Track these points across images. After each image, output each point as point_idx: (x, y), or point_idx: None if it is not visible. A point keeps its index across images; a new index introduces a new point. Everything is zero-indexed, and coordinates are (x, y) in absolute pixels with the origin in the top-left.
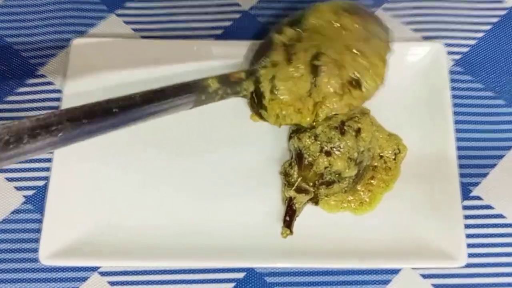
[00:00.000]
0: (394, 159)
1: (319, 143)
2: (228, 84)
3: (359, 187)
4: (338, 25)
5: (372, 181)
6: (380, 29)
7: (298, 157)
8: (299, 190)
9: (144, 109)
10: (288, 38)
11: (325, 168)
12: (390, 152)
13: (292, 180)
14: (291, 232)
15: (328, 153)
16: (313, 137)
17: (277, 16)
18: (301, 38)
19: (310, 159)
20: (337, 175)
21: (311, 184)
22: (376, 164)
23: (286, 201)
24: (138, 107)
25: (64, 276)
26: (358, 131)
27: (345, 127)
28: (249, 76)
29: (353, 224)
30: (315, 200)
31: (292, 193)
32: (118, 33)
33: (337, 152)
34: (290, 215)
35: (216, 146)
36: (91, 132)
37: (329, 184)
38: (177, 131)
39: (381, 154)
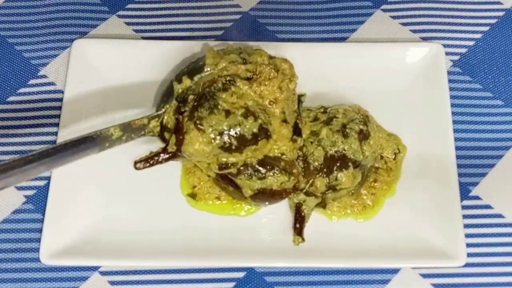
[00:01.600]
0: (394, 159)
1: (322, 147)
2: (131, 130)
3: (362, 191)
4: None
5: (375, 184)
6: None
7: (303, 163)
8: (308, 193)
9: (47, 164)
10: (185, 88)
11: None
12: (390, 152)
13: (300, 187)
14: (303, 239)
15: (333, 188)
16: (316, 142)
17: (277, 17)
18: (198, 87)
19: (315, 164)
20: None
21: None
22: (377, 165)
23: (294, 208)
24: (38, 163)
25: (64, 276)
26: (360, 133)
27: (347, 130)
28: (151, 120)
29: (352, 224)
30: (322, 205)
31: (301, 196)
32: (119, 34)
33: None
34: (300, 222)
35: None
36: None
37: (335, 188)
38: None
39: (381, 154)
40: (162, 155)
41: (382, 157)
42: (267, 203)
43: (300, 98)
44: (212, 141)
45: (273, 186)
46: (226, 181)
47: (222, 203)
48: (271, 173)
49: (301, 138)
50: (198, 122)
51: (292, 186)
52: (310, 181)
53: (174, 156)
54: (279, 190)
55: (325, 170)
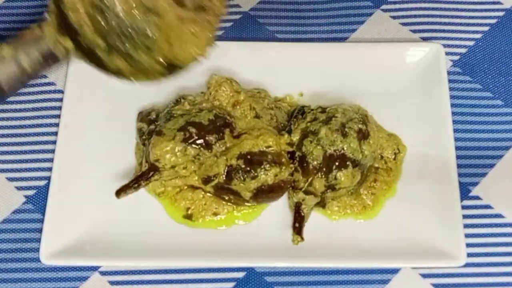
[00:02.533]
0: (394, 159)
1: (321, 147)
2: (25, 46)
3: (362, 191)
4: None
5: (375, 184)
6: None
7: (302, 162)
8: (307, 192)
9: None
10: None
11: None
12: (390, 152)
13: (299, 186)
14: (302, 238)
15: (332, 187)
16: (315, 142)
17: (277, 17)
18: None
19: (314, 163)
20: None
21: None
22: (377, 165)
23: (294, 208)
24: None
25: (64, 276)
26: (359, 132)
27: (346, 129)
28: (42, 26)
29: (352, 224)
30: (322, 204)
31: (301, 195)
32: None
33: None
34: (299, 221)
35: None
36: None
37: (334, 188)
38: None
39: (381, 154)
40: (140, 177)
41: (382, 157)
42: (270, 200)
43: (303, 109)
44: (174, 138)
45: (269, 181)
46: (225, 191)
47: (221, 219)
48: (261, 169)
49: (288, 135)
50: (158, 131)
51: (289, 176)
52: (309, 180)
53: (153, 172)
54: (276, 183)
55: (324, 169)
